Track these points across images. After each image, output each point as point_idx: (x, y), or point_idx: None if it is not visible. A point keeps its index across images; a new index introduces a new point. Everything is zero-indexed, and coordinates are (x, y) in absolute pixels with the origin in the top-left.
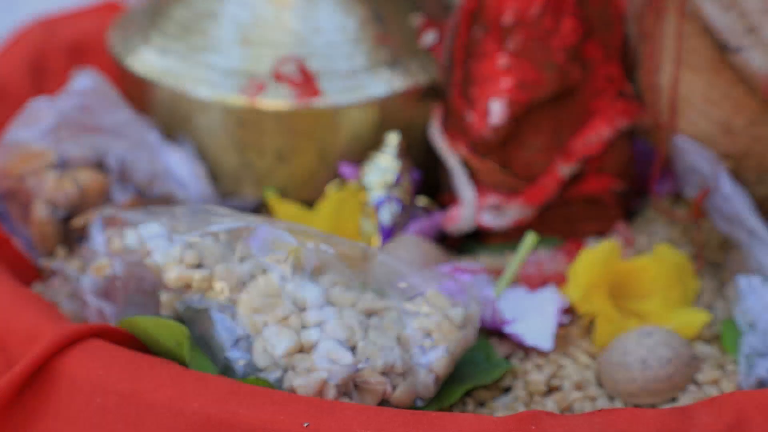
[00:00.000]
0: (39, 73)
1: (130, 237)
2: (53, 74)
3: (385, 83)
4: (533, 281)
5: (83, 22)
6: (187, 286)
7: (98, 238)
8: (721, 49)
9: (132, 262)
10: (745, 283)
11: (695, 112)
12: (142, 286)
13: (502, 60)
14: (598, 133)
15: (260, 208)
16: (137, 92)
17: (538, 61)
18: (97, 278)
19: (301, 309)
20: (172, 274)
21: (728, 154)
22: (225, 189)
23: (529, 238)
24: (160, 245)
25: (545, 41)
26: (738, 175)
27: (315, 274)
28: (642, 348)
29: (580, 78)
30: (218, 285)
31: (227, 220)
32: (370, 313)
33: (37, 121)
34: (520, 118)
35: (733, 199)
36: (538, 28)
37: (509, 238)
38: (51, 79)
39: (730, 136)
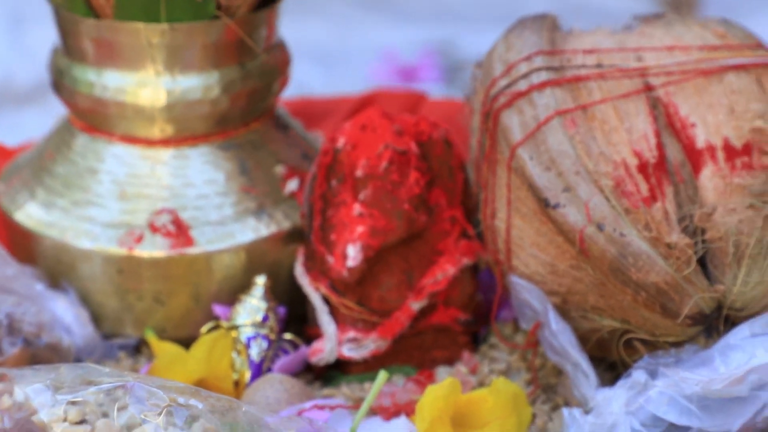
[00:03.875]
0: None
1: (19, 395)
2: None
3: (251, 230)
4: (387, 412)
5: None
6: None
7: None
8: (543, 204)
9: (20, 418)
10: (567, 413)
11: (526, 254)
12: None
13: (356, 209)
14: (444, 271)
15: (141, 346)
16: (24, 240)
17: (388, 210)
18: None
19: None
20: (57, 431)
21: (555, 291)
22: (107, 330)
23: (381, 376)
24: (45, 403)
25: (393, 192)
26: (565, 311)
27: (187, 423)
28: None
29: (427, 222)
30: None
31: (107, 379)
32: None
33: None
34: (373, 260)
35: (559, 335)
36: (386, 180)
37: (368, 367)
38: None
39: (556, 276)
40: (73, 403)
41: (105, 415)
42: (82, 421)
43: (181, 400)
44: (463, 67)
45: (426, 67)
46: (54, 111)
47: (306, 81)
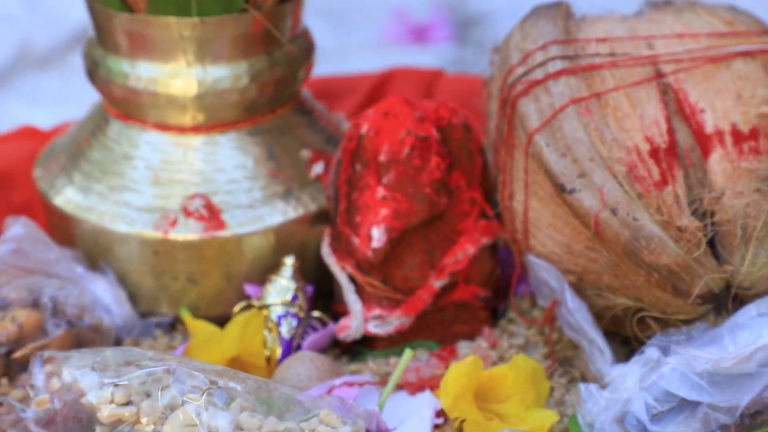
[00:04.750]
0: None
1: (67, 377)
2: None
3: (280, 213)
4: (412, 387)
5: (6, 150)
6: (119, 421)
7: (39, 375)
8: (559, 189)
9: (70, 400)
10: (584, 389)
11: (543, 235)
12: (78, 417)
13: (380, 192)
14: (465, 250)
15: (176, 324)
16: (63, 223)
17: (410, 193)
18: (38, 411)
19: None
20: (105, 412)
21: (571, 270)
22: (144, 309)
23: (407, 354)
24: (92, 386)
25: (416, 176)
26: (580, 289)
27: (226, 404)
28: None
29: (447, 204)
30: (144, 419)
31: (150, 363)
32: None
33: None
34: (397, 241)
35: (575, 312)
36: (408, 165)
37: (393, 343)
38: None
39: (572, 256)
40: (120, 386)
41: (148, 395)
42: (128, 403)
43: (221, 383)
44: (474, 23)
45: (437, 25)
46: (73, 74)
47: (319, 41)
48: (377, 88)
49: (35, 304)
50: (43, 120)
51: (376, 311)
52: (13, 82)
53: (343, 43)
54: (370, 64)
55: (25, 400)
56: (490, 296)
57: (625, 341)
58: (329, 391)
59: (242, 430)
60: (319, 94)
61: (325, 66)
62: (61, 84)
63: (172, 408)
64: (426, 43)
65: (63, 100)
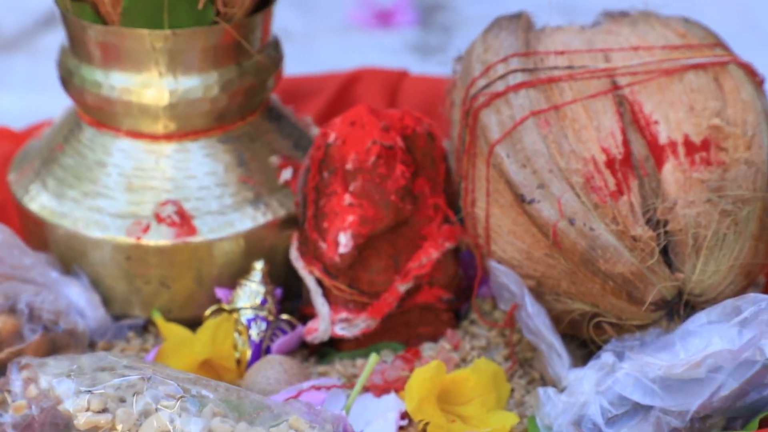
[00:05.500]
0: None
1: (44, 384)
2: None
3: (250, 219)
4: (378, 389)
5: None
6: (95, 428)
7: (16, 381)
8: (519, 200)
9: (47, 407)
10: (542, 393)
11: (504, 241)
12: (55, 423)
13: (347, 199)
14: (428, 255)
15: (148, 326)
16: (37, 228)
17: (376, 200)
18: (16, 416)
19: None
20: (81, 420)
21: (530, 276)
22: (117, 312)
23: (372, 359)
24: (68, 393)
25: (381, 184)
26: (539, 293)
27: (198, 410)
28: None
29: (412, 210)
30: (119, 426)
31: (126, 371)
32: None
33: None
34: (363, 246)
35: (534, 317)
36: (374, 173)
37: (359, 344)
38: None
39: (531, 262)
40: (96, 394)
41: (122, 401)
42: (103, 410)
43: (193, 390)
44: (438, 8)
45: (401, 9)
46: (41, 57)
47: (285, 25)
48: (344, 89)
49: (12, 310)
50: (11, 103)
51: (343, 314)
52: None
53: (309, 27)
54: (335, 48)
55: (3, 404)
56: (453, 298)
57: (583, 344)
58: (298, 395)
59: None
60: (286, 95)
61: (290, 50)
62: (29, 67)
63: (146, 415)
64: (390, 27)
65: (30, 83)
